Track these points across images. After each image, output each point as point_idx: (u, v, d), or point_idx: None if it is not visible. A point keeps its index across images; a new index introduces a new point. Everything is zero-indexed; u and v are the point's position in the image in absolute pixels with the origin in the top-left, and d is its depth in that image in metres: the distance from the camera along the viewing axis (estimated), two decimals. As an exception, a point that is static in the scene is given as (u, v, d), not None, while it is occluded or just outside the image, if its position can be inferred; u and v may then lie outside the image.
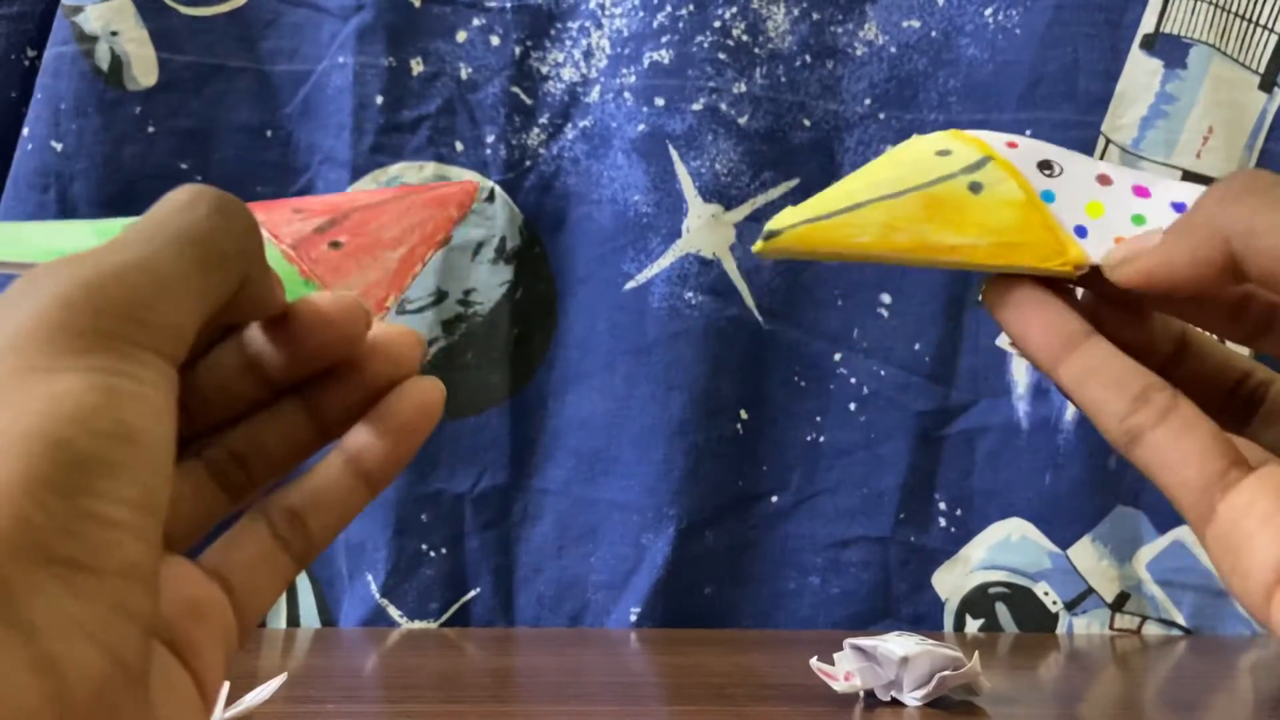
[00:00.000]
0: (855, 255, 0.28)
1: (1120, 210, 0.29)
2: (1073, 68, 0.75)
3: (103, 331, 0.19)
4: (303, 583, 0.77)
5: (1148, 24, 0.75)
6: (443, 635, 0.74)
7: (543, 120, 0.77)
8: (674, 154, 0.75)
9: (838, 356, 0.77)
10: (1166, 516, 0.75)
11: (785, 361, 0.77)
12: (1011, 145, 0.30)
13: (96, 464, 0.18)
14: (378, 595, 0.75)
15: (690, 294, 0.75)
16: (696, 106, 0.75)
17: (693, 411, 0.75)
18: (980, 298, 0.29)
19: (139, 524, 0.19)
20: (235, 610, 0.24)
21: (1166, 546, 0.76)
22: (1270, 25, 0.75)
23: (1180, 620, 0.76)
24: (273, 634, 0.74)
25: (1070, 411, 0.75)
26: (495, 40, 0.76)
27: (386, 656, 0.68)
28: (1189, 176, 0.74)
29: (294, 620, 0.77)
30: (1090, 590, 0.76)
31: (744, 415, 0.76)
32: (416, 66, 0.76)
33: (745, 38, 0.75)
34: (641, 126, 0.75)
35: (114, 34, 0.73)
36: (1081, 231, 0.29)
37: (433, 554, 0.76)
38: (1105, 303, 0.28)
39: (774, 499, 0.77)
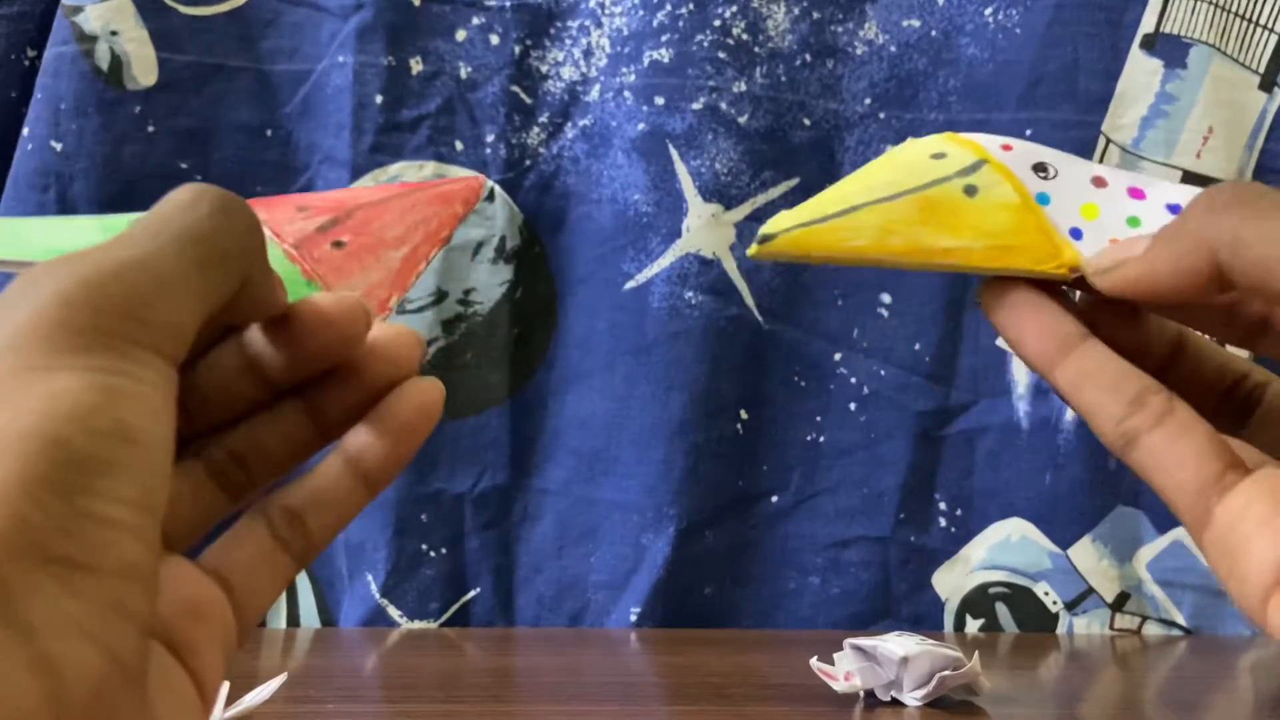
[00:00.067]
0: (850, 259, 0.28)
1: (1115, 212, 0.29)
2: (1073, 67, 0.75)
3: (102, 330, 0.19)
4: (303, 583, 0.77)
5: (1148, 24, 0.75)
6: (443, 635, 0.74)
7: (542, 119, 0.77)
8: (674, 153, 0.75)
9: (838, 356, 0.77)
10: (1166, 517, 0.75)
11: (785, 361, 0.77)
12: (1006, 148, 0.30)
13: (95, 463, 0.18)
14: (378, 595, 0.75)
15: (690, 294, 0.75)
16: (696, 106, 0.75)
17: (693, 411, 0.75)
18: (976, 300, 0.29)
19: (137, 523, 0.18)
20: (235, 610, 0.24)
21: (1167, 546, 0.76)
22: (1270, 25, 0.75)
23: (1180, 620, 0.76)
24: (273, 634, 0.74)
25: (1070, 412, 0.75)
26: (495, 39, 0.76)
27: (386, 656, 0.68)
28: (1189, 176, 0.74)
29: (294, 620, 0.77)
30: (1090, 590, 0.76)
31: (744, 415, 0.76)
32: (416, 66, 0.76)
33: (745, 37, 0.75)
34: (641, 126, 0.75)
35: (114, 34, 0.73)
36: (1077, 234, 0.29)
37: (433, 554, 0.76)
38: (1101, 305, 0.28)
39: (774, 499, 0.77)
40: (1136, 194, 0.30)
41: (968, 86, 0.76)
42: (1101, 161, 0.74)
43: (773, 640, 0.73)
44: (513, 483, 0.77)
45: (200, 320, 0.22)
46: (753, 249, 0.29)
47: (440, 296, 0.75)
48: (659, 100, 0.75)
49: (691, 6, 0.75)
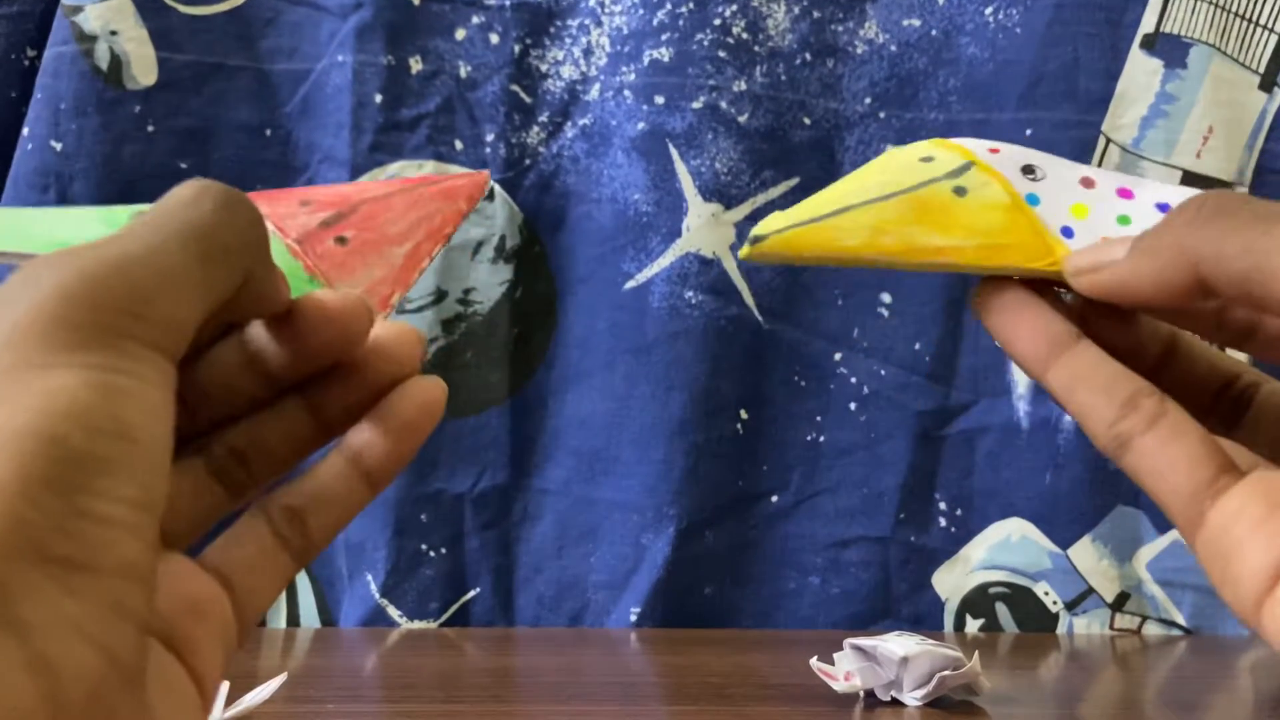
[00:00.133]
0: (843, 259, 0.28)
1: (1105, 211, 0.29)
2: (1073, 67, 0.75)
3: (101, 326, 0.19)
4: (303, 583, 0.77)
5: (1148, 24, 0.75)
6: (443, 635, 0.74)
7: (542, 118, 0.77)
8: (674, 152, 0.75)
9: (838, 356, 0.77)
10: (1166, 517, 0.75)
11: (785, 361, 0.77)
12: (993, 151, 0.31)
13: (93, 461, 0.18)
14: (377, 595, 0.75)
15: (690, 293, 0.75)
16: (697, 105, 0.75)
17: (693, 411, 0.75)
18: (969, 303, 0.29)
19: (135, 522, 0.18)
20: (235, 608, 0.24)
21: (1167, 546, 0.76)
22: (1270, 25, 0.75)
23: (1180, 620, 0.76)
24: (273, 634, 0.74)
25: (1070, 411, 0.75)
26: (494, 38, 0.76)
27: (386, 656, 0.68)
28: (1189, 176, 0.74)
29: (294, 620, 0.77)
30: (1090, 590, 0.76)
31: (744, 415, 0.76)
32: (415, 65, 0.75)
33: (745, 36, 0.75)
34: (641, 125, 0.75)
35: (113, 33, 0.73)
36: (1068, 233, 0.29)
37: (432, 554, 0.76)
38: (1093, 305, 0.28)
39: (774, 499, 0.77)
40: (1125, 194, 0.30)
41: (968, 86, 0.76)
42: (1102, 161, 0.74)
43: (773, 640, 0.73)
44: (513, 483, 0.77)
45: (201, 316, 0.21)
46: (744, 250, 0.29)
47: (440, 296, 0.75)
48: (659, 99, 0.75)
49: (691, 5, 0.74)
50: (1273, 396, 0.29)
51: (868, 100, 0.76)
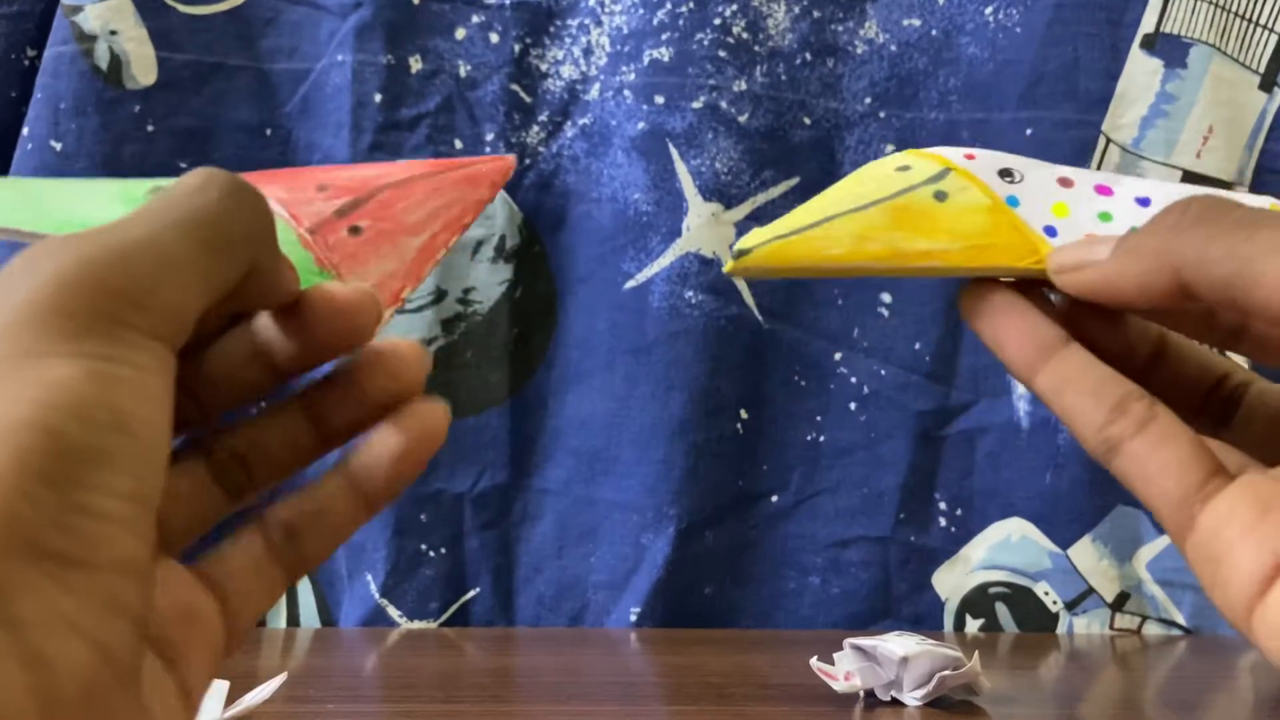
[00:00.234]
0: (829, 269, 0.28)
1: (1086, 209, 0.29)
2: (1073, 67, 0.75)
3: (100, 314, 0.19)
4: (303, 583, 0.77)
5: (1148, 23, 0.75)
6: (442, 635, 0.74)
7: (542, 118, 0.76)
8: (674, 152, 0.75)
9: (838, 356, 0.76)
10: (1167, 516, 0.75)
11: (785, 361, 0.77)
12: (969, 157, 0.31)
13: (89, 455, 0.18)
14: (377, 595, 0.75)
15: (690, 293, 0.75)
16: (697, 104, 0.75)
17: (693, 411, 0.75)
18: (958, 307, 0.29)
19: (132, 517, 0.18)
20: (225, 619, 0.24)
21: (1167, 546, 0.76)
22: (1270, 25, 0.75)
23: (1180, 620, 0.76)
24: (273, 634, 0.74)
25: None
26: (494, 38, 0.76)
27: (386, 656, 0.68)
28: (1189, 176, 0.74)
29: (294, 620, 0.77)
30: (1090, 590, 0.76)
31: (744, 415, 0.76)
32: (415, 64, 0.75)
33: (745, 35, 0.75)
34: (641, 124, 0.75)
35: (113, 33, 0.73)
36: (1051, 231, 0.29)
37: (432, 554, 0.76)
38: (1081, 307, 0.27)
39: (774, 499, 0.77)
40: (1104, 191, 0.30)
41: (968, 86, 0.76)
42: (1102, 161, 0.74)
43: (773, 640, 0.73)
44: (513, 482, 0.77)
45: (203, 304, 0.21)
46: (729, 265, 0.29)
47: (440, 296, 0.75)
48: (659, 99, 0.75)
49: (692, 5, 0.74)
50: (1263, 396, 0.29)
51: (868, 100, 0.76)
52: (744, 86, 0.75)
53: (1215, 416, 0.29)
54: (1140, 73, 0.75)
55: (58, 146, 0.72)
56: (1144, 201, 0.29)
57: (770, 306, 0.76)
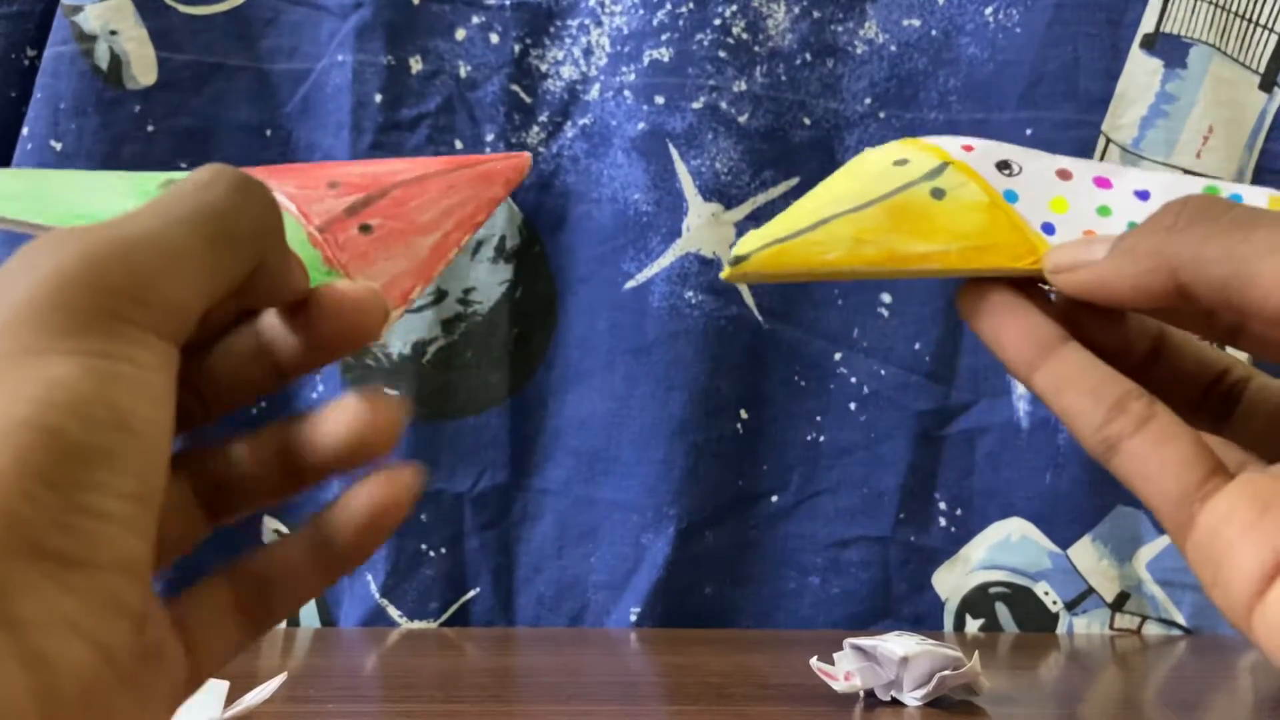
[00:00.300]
0: (826, 273, 0.28)
1: (1084, 204, 0.29)
2: (1073, 67, 0.75)
3: (101, 310, 0.19)
4: (302, 582, 0.77)
5: (1148, 23, 0.75)
6: (443, 635, 0.74)
7: (542, 118, 0.77)
8: (674, 152, 0.75)
9: (838, 356, 0.76)
10: (1167, 516, 0.75)
11: (785, 361, 0.77)
12: (967, 149, 0.30)
13: (90, 454, 0.18)
14: (377, 595, 0.75)
15: (690, 293, 0.75)
16: (697, 105, 0.75)
17: (693, 411, 0.75)
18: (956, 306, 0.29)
19: (133, 516, 0.18)
20: (188, 663, 0.23)
21: (1167, 546, 0.76)
22: (1270, 25, 0.75)
23: (1180, 620, 0.76)
24: (273, 634, 0.74)
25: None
26: (494, 38, 0.76)
27: (386, 656, 0.68)
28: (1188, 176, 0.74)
29: (294, 620, 0.77)
30: (1090, 590, 0.76)
31: (744, 415, 0.76)
32: (416, 65, 0.75)
33: (745, 36, 0.75)
34: (641, 125, 0.75)
35: (113, 33, 0.73)
36: (1049, 229, 0.28)
37: (432, 554, 0.76)
38: (1079, 304, 0.27)
39: (774, 499, 0.77)
40: (1103, 183, 0.30)
41: (968, 86, 0.76)
42: (1102, 162, 0.74)
43: (773, 640, 0.73)
44: (513, 482, 0.77)
45: (207, 300, 0.21)
46: (726, 271, 0.28)
47: (440, 296, 0.75)
48: (659, 99, 0.75)
49: (691, 5, 0.74)
50: (1262, 391, 0.29)
51: (868, 100, 0.76)
52: (744, 87, 0.75)
53: (1215, 412, 0.29)
54: (1140, 73, 0.75)
55: (58, 146, 0.72)
56: (1143, 195, 0.29)
57: (770, 306, 0.76)
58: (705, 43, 0.75)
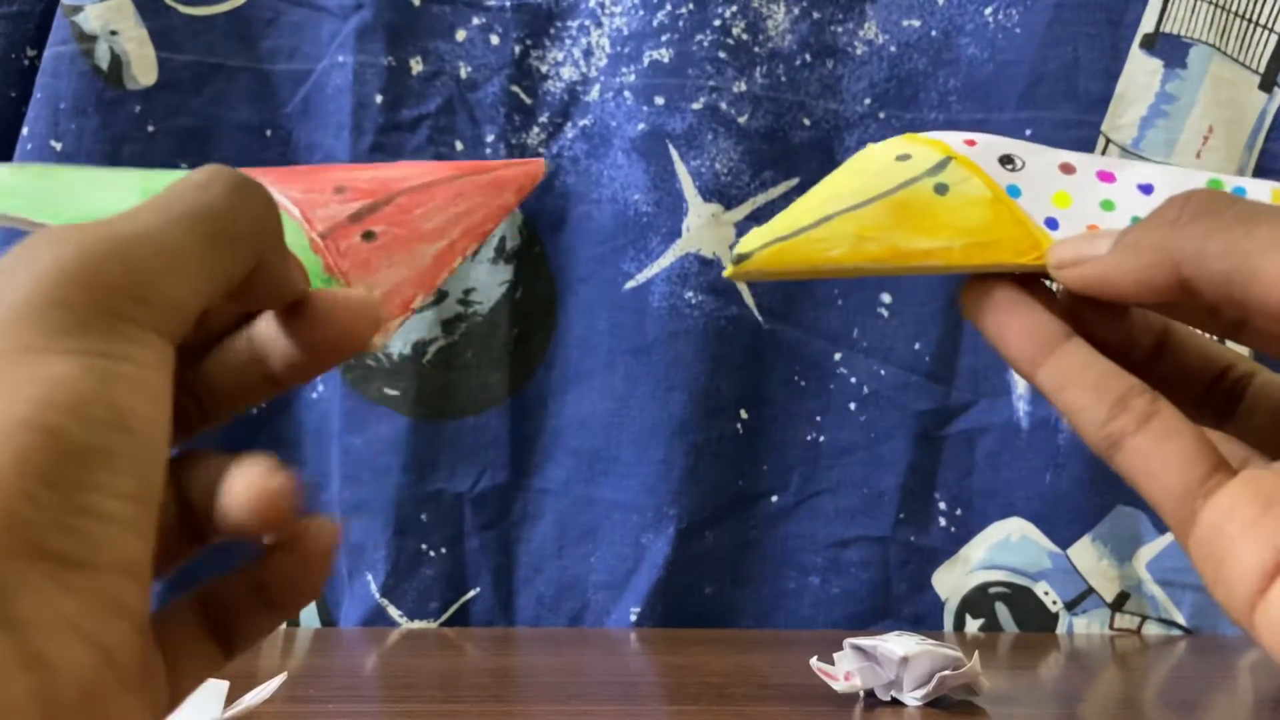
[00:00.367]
0: (829, 270, 0.28)
1: (1088, 198, 0.29)
2: (1073, 67, 0.75)
3: (100, 309, 0.19)
4: (302, 582, 0.77)
5: (1148, 24, 0.75)
6: (443, 635, 0.74)
7: (542, 119, 0.77)
8: (674, 153, 0.75)
9: (838, 356, 0.77)
10: (1166, 516, 0.75)
11: (785, 361, 0.77)
12: (970, 143, 0.30)
13: (90, 454, 0.18)
14: (377, 595, 0.75)
15: (690, 293, 0.75)
16: (696, 105, 0.75)
17: (693, 411, 0.75)
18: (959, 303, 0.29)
19: (133, 517, 0.18)
20: (170, 682, 0.23)
21: (1166, 546, 0.76)
22: (1270, 25, 0.75)
23: (1180, 620, 0.76)
24: (273, 634, 0.74)
25: (1070, 411, 0.75)
26: (495, 39, 0.76)
27: (386, 656, 0.68)
28: (1189, 176, 0.74)
29: (294, 620, 0.77)
30: (1090, 590, 0.76)
31: (744, 415, 0.76)
32: (416, 66, 0.75)
33: (745, 36, 0.75)
34: (641, 125, 0.75)
35: (113, 33, 0.73)
36: (1053, 224, 0.28)
37: (432, 554, 0.76)
38: (1083, 300, 0.27)
39: (774, 499, 0.77)
40: (1106, 177, 0.30)
41: (968, 86, 0.76)
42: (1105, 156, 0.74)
43: (773, 640, 0.73)
44: (513, 483, 0.77)
45: (205, 299, 0.21)
46: (729, 270, 0.28)
47: (440, 296, 0.75)
48: (659, 100, 0.75)
49: (691, 6, 0.75)
50: (1266, 388, 0.28)
51: (867, 101, 0.76)
52: (744, 87, 0.75)
53: (1218, 408, 0.29)
54: (1140, 73, 0.75)
55: (58, 146, 0.72)
56: (1146, 189, 0.29)
57: (770, 306, 0.76)
58: (705, 43, 0.75)
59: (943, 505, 0.77)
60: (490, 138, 0.76)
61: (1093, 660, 0.71)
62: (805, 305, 0.76)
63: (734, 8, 0.75)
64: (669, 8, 0.75)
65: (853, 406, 0.77)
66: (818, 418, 0.77)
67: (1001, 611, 0.77)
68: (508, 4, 0.76)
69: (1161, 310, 0.28)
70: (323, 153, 0.76)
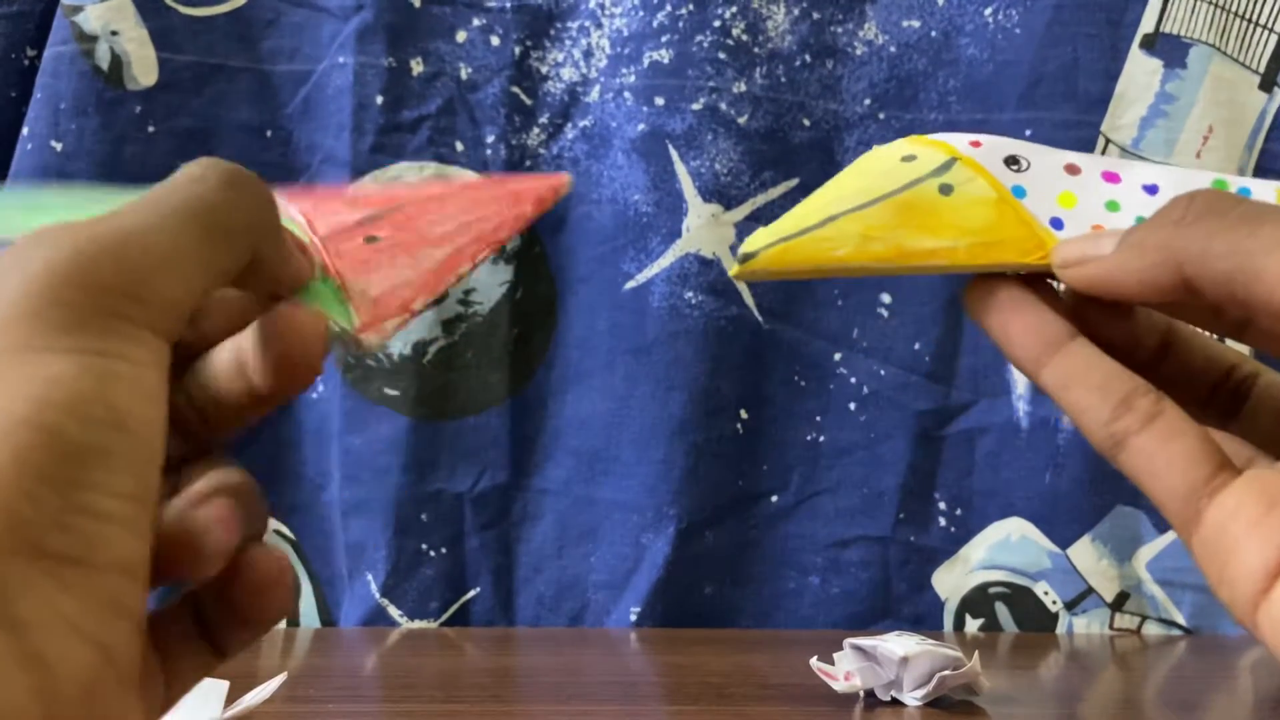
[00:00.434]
0: (834, 269, 0.28)
1: (1093, 198, 0.29)
2: (1073, 67, 0.75)
3: (95, 307, 0.19)
4: (303, 582, 0.77)
5: (1148, 24, 0.75)
6: (443, 635, 0.74)
7: (542, 120, 0.77)
8: (674, 154, 0.75)
9: (838, 356, 0.77)
10: (1166, 516, 0.75)
11: (785, 361, 0.77)
12: (975, 144, 0.30)
13: (88, 453, 0.18)
14: (378, 595, 0.75)
15: (690, 294, 0.75)
16: (696, 106, 0.75)
17: (693, 411, 0.75)
18: (962, 302, 0.29)
19: (131, 516, 0.18)
20: (165, 684, 0.23)
21: (1166, 546, 0.76)
22: (1270, 25, 0.75)
23: (1180, 620, 0.76)
24: (273, 634, 0.74)
25: (1070, 411, 0.75)
26: (495, 40, 0.76)
27: (386, 656, 0.68)
28: (1189, 176, 0.74)
29: (294, 620, 0.77)
30: (1090, 590, 0.76)
31: (744, 415, 0.76)
32: (416, 67, 0.76)
33: (745, 37, 0.75)
34: (641, 126, 0.75)
35: (114, 33, 0.73)
36: (1058, 224, 0.28)
37: (433, 554, 0.76)
38: (1088, 299, 0.27)
39: (774, 499, 0.77)
40: (1111, 178, 0.30)
41: (968, 87, 0.76)
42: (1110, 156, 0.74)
43: (773, 640, 0.73)
44: (513, 482, 0.77)
45: (200, 296, 0.21)
46: (734, 269, 0.28)
47: (440, 297, 0.75)
48: (659, 101, 0.75)
49: (691, 7, 0.75)
50: (1270, 388, 0.28)
51: (867, 101, 0.76)
52: (743, 88, 0.75)
53: (1223, 408, 0.29)
54: (1140, 73, 0.75)
55: (58, 147, 0.72)
56: (1151, 189, 0.29)
57: (770, 306, 0.76)
58: (705, 44, 0.75)
59: (943, 505, 0.77)
60: (490, 138, 0.76)
61: (1093, 660, 0.71)
62: (805, 305, 0.77)
63: (734, 8, 0.75)
64: (669, 9, 0.75)
65: (853, 406, 0.77)
66: (818, 418, 0.77)
67: (1001, 611, 0.77)
68: (508, 5, 0.76)
69: (1166, 310, 0.28)
70: (323, 153, 0.76)
